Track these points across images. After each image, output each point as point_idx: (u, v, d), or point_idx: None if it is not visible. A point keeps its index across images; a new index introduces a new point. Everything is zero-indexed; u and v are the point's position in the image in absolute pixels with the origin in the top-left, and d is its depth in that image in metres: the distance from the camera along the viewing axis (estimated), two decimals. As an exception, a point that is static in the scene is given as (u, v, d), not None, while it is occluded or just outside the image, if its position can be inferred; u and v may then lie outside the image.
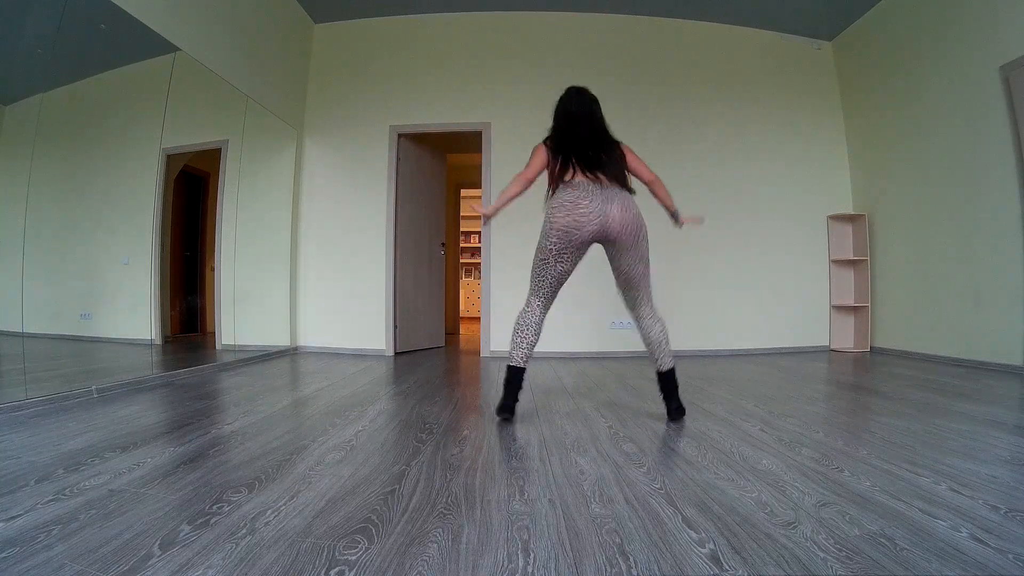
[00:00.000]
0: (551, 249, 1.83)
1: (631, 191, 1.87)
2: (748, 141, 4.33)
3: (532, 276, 1.93)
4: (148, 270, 2.87)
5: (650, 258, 1.90)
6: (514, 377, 1.88)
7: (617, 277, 1.92)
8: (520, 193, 1.90)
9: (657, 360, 1.90)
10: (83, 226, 2.72)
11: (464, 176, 6.24)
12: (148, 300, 2.89)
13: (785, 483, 1.25)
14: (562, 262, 1.84)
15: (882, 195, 4.10)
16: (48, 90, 2.39)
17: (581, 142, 1.85)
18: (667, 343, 1.90)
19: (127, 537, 0.95)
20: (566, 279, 1.92)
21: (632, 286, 1.90)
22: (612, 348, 4.09)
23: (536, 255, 1.90)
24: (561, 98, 1.95)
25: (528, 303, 1.94)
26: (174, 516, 1.04)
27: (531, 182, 1.90)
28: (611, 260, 1.90)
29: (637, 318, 1.94)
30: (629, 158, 1.91)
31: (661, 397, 1.94)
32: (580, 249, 1.84)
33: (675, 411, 1.89)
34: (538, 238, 1.90)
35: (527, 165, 1.90)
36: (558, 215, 1.80)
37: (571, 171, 1.83)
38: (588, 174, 1.82)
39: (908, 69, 3.78)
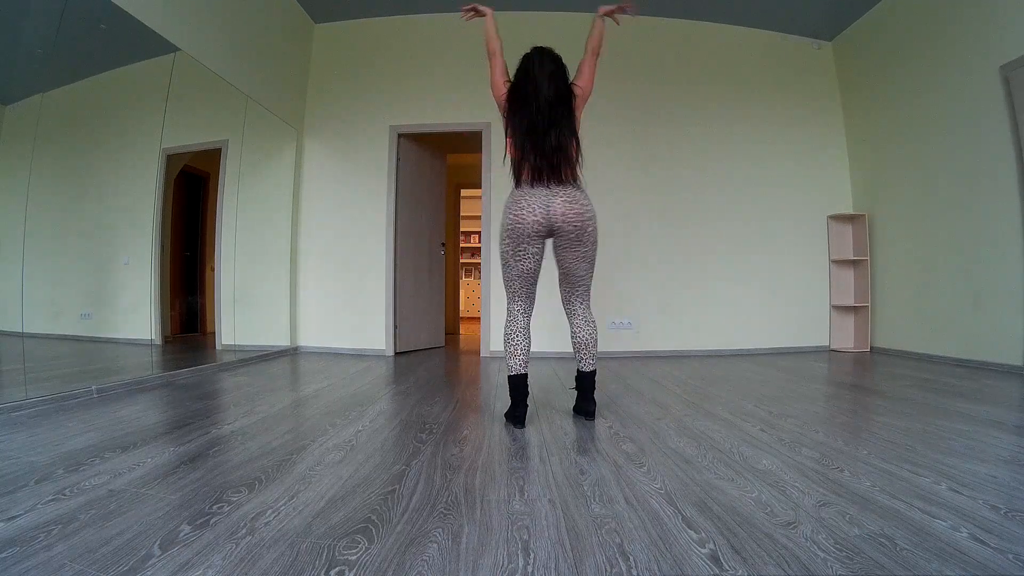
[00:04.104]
0: (506, 249, 1.87)
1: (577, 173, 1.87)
2: (748, 141, 4.32)
3: (504, 282, 1.96)
4: (148, 270, 2.87)
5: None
6: (518, 384, 1.88)
7: (559, 271, 1.97)
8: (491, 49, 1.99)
9: (581, 360, 1.96)
10: (83, 226, 2.72)
11: (464, 176, 6.24)
12: (148, 300, 2.89)
13: (785, 483, 1.25)
14: (520, 260, 1.86)
15: (882, 195, 4.10)
16: (48, 90, 2.39)
17: (536, 130, 1.80)
18: (594, 346, 1.96)
19: (127, 537, 0.95)
20: (534, 279, 1.92)
21: (570, 283, 1.95)
22: (611, 348, 4.09)
23: (500, 260, 1.94)
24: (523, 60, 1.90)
25: (509, 312, 1.95)
26: (174, 516, 1.04)
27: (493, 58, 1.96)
28: (555, 254, 1.93)
29: (570, 314, 1.99)
30: (577, 103, 1.88)
31: (578, 397, 1.99)
32: (531, 243, 1.83)
33: (588, 412, 1.94)
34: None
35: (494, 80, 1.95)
36: (505, 215, 1.84)
37: (525, 168, 1.82)
38: (538, 180, 1.81)
39: (908, 69, 3.78)
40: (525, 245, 1.84)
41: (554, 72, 1.84)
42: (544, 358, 3.86)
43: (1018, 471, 1.32)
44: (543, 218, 1.79)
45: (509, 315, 1.95)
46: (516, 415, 1.85)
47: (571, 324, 1.99)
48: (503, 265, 1.92)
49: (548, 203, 1.78)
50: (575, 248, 1.86)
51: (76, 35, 2.42)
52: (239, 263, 3.58)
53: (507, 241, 1.85)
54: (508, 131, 1.88)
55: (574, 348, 1.97)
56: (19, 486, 1.20)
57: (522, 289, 1.92)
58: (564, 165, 1.81)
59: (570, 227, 1.81)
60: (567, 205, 1.79)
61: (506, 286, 1.94)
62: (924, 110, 3.66)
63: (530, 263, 1.87)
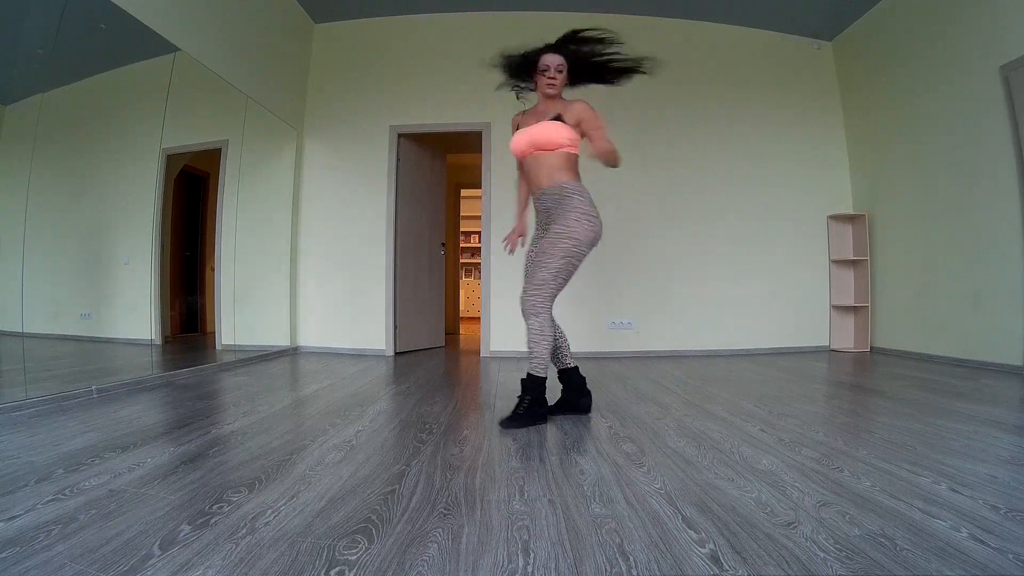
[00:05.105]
0: (582, 253, 1.84)
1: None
2: (748, 141, 4.32)
3: (555, 283, 1.82)
4: (148, 270, 2.87)
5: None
6: (543, 385, 1.88)
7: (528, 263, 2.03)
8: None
9: (567, 358, 2.02)
10: (83, 226, 2.72)
11: (464, 176, 6.24)
12: (148, 300, 2.89)
13: (785, 483, 1.25)
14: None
15: (882, 195, 4.10)
16: (48, 90, 2.38)
17: None
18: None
19: (127, 537, 0.95)
20: None
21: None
22: (611, 348, 4.09)
23: (568, 260, 1.80)
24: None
25: (546, 316, 1.84)
26: (174, 516, 1.04)
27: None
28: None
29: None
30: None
31: (574, 394, 2.01)
32: None
33: (588, 407, 2.01)
34: (565, 242, 1.79)
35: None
36: (595, 224, 1.85)
37: None
38: None
39: (908, 69, 3.78)
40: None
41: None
42: (544, 358, 3.85)
43: (1018, 471, 1.32)
44: None
45: (547, 314, 1.84)
46: (541, 413, 1.87)
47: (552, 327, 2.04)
48: (566, 273, 1.82)
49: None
50: None
51: (76, 35, 2.42)
52: (239, 263, 3.58)
53: (587, 250, 1.84)
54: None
55: (558, 350, 2.02)
56: (19, 486, 1.20)
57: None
58: None
59: None
60: None
61: (552, 293, 1.84)
62: (924, 110, 3.65)
63: None
